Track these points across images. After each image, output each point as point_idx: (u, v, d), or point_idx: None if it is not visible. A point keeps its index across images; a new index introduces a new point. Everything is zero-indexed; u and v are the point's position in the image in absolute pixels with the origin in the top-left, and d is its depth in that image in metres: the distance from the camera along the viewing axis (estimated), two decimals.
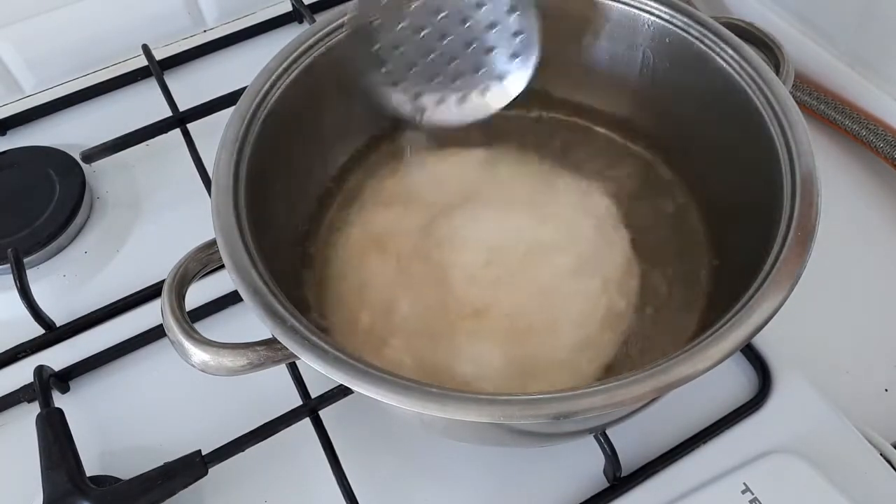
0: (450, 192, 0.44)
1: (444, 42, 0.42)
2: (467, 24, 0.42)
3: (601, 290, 0.39)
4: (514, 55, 0.42)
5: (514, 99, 0.44)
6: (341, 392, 0.41)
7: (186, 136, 0.54)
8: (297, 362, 0.37)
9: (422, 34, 0.41)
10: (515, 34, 0.42)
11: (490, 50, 0.42)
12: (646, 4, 0.41)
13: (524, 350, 0.38)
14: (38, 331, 0.46)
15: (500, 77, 0.43)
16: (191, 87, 0.59)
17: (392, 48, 0.41)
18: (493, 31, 0.42)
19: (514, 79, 0.43)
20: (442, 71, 0.43)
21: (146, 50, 0.60)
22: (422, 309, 0.39)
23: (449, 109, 0.43)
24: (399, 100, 0.43)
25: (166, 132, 0.55)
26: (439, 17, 0.41)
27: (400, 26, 0.41)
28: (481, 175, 0.45)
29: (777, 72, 0.39)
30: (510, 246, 0.41)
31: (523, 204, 0.43)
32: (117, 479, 0.39)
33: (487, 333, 0.38)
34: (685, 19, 0.40)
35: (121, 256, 0.51)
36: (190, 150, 0.52)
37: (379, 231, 0.43)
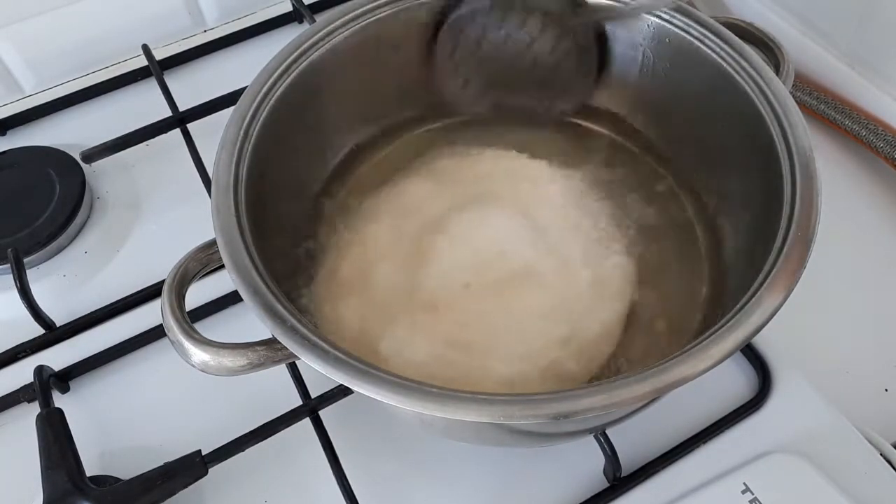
0: (451, 194, 0.44)
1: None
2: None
3: (561, 344, 0.38)
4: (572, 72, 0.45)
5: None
6: (341, 392, 0.41)
7: (186, 136, 0.54)
8: (297, 362, 0.37)
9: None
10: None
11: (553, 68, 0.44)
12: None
13: (450, 358, 0.37)
14: (38, 331, 0.46)
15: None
16: (191, 87, 0.59)
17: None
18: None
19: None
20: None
21: (146, 50, 0.60)
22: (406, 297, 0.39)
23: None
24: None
25: (166, 132, 0.55)
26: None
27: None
28: (483, 177, 0.45)
29: (777, 72, 0.39)
30: (498, 263, 0.40)
31: (527, 217, 0.42)
32: (117, 479, 0.39)
33: (428, 329, 0.38)
34: (685, 19, 0.40)
35: (121, 256, 0.51)
36: (190, 150, 0.52)
37: (379, 231, 0.43)
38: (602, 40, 0.44)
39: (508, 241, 0.41)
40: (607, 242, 0.42)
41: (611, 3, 0.42)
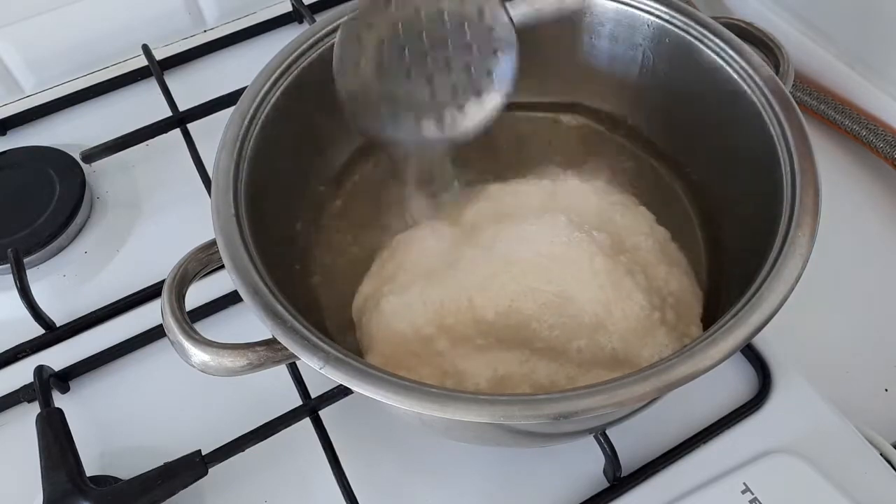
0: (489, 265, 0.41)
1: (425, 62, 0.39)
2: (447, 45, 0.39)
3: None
4: (490, 71, 0.40)
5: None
6: (341, 392, 0.41)
7: (186, 136, 0.54)
8: (297, 362, 0.37)
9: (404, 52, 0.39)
10: (495, 51, 0.39)
11: (467, 66, 0.39)
12: (646, 4, 0.41)
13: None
14: (38, 331, 0.46)
15: (478, 93, 0.40)
16: (191, 87, 0.59)
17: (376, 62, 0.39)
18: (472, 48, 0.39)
19: (491, 96, 0.40)
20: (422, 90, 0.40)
21: (146, 50, 0.60)
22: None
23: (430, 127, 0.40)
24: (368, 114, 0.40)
25: (166, 132, 0.55)
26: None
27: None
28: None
29: (777, 72, 0.39)
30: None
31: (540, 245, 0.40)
32: (117, 479, 0.39)
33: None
34: (685, 19, 0.40)
35: (121, 256, 0.51)
36: (190, 150, 0.52)
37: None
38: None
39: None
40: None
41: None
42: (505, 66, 0.39)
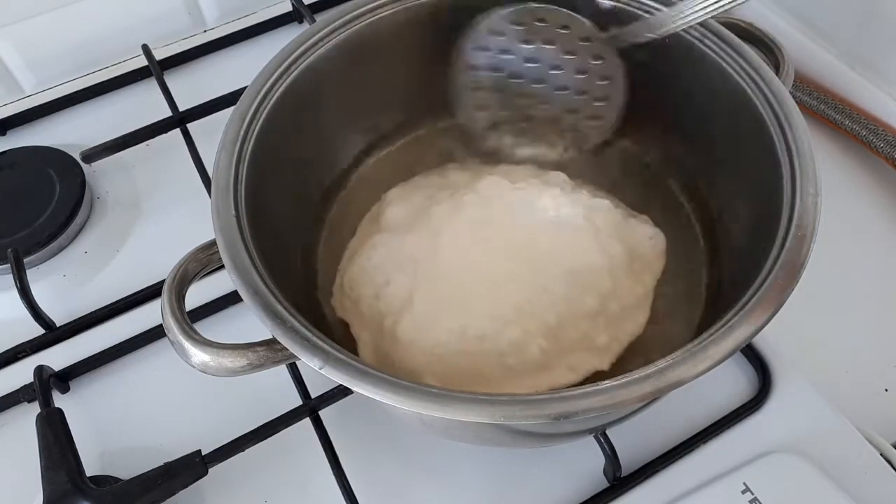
0: (451, 196, 0.43)
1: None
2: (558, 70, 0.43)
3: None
4: (600, 99, 0.43)
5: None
6: (341, 392, 0.41)
7: (186, 136, 0.54)
8: (297, 362, 0.37)
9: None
10: (602, 79, 0.42)
11: (580, 94, 0.43)
12: (646, 4, 0.41)
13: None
14: (38, 331, 0.46)
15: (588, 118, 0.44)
16: (191, 87, 0.59)
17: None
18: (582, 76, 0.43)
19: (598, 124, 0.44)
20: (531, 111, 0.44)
21: (146, 50, 0.60)
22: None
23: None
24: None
25: (166, 132, 0.55)
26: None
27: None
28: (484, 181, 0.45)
29: (777, 72, 0.38)
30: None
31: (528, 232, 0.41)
32: (117, 479, 0.39)
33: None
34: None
35: (121, 256, 0.51)
36: (190, 150, 0.52)
37: (379, 230, 0.43)
38: (630, 66, 0.42)
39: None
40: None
41: (639, 23, 0.40)
42: (615, 92, 0.42)
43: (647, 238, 0.41)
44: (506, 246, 0.39)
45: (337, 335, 0.40)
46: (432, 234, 0.40)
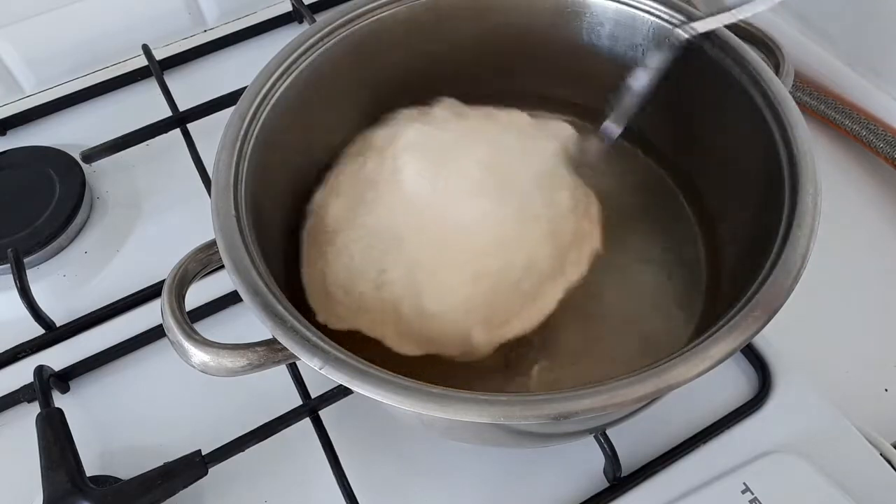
0: (447, 189, 0.43)
1: None
2: None
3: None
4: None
5: None
6: (341, 392, 0.41)
7: (186, 136, 0.54)
8: (297, 362, 0.37)
9: None
10: None
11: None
12: (646, 4, 0.41)
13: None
14: (38, 331, 0.46)
15: None
16: (191, 87, 0.59)
17: None
18: None
19: None
20: None
21: (146, 50, 0.60)
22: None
23: None
24: None
25: (166, 132, 0.55)
26: None
27: None
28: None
29: (777, 72, 0.38)
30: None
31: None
32: (117, 479, 0.39)
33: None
34: (685, 19, 0.40)
35: (121, 256, 0.51)
36: (190, 150, 0.52)
37: (335, 232, 0.42)
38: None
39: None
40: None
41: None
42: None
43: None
44: (464, 181, 0.39)
45: (337, 335, 0.40)
46: (384, 196, 0.40)
